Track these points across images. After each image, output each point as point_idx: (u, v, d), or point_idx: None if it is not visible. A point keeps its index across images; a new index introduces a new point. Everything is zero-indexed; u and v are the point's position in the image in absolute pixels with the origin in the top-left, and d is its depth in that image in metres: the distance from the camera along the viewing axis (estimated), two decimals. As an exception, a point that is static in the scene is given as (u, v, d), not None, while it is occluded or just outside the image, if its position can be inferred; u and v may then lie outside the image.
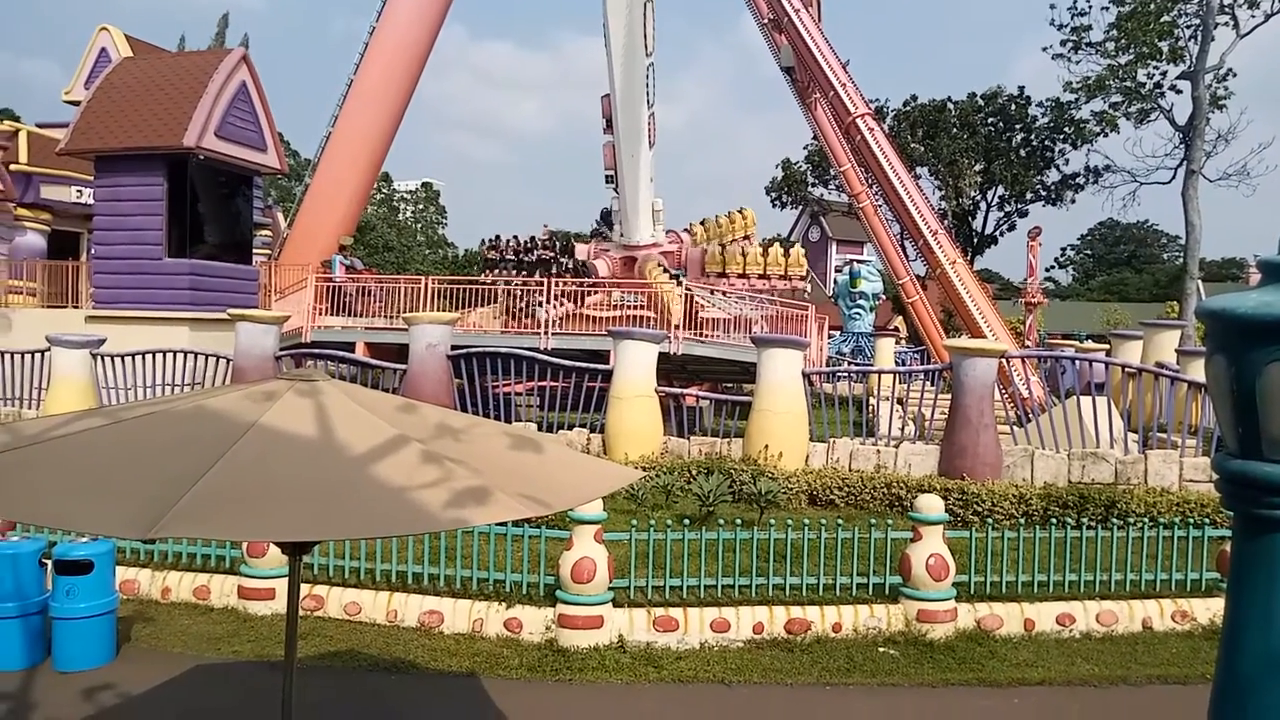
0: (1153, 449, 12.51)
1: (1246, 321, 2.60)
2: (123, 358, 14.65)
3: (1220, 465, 2.81)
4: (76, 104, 19.52)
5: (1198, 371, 13.91)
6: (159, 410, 3.30)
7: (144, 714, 6.42)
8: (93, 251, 18.55)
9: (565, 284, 20.84)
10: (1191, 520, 9.11)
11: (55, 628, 7.04)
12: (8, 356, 15.38)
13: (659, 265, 22.08)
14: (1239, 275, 58.95)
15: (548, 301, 19.67)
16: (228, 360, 14.58)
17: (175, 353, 14.90)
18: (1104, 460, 12.09)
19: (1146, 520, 9.31)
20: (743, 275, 23.32)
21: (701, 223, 24.92)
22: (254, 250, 20.53)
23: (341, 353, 15.77)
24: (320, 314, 20.57)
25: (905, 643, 7.68)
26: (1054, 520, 9.18)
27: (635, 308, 20.25)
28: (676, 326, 18.72)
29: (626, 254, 22.96)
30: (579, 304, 20.55)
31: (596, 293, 21.31)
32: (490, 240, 25.39)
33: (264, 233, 26.57)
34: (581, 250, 23.78)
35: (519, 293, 20.59)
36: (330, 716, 6.31)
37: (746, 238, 25.11)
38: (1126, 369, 14.43)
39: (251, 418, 3.09)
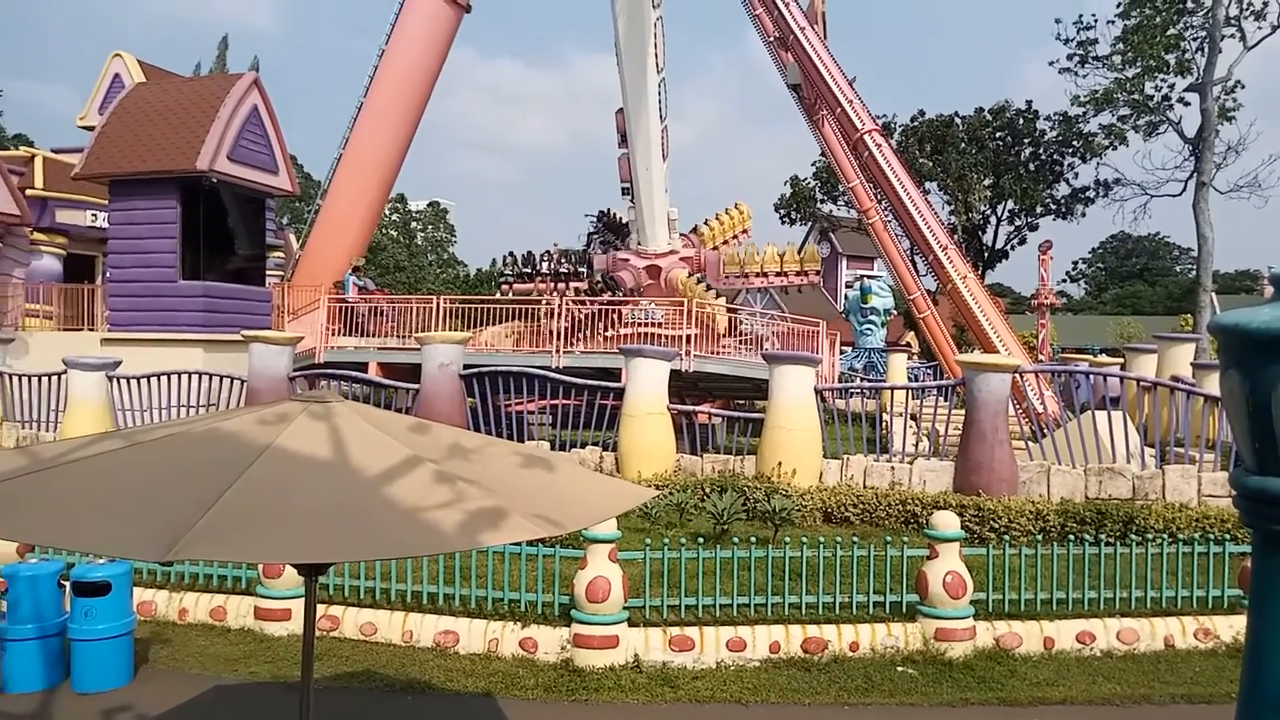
0: (1170, 464, 12.40)
1: (1259, 337, 2.58)
2: (138, 380, 14.75)
3: (1238, 481, 2.78)
4: (91, 129, 19.75)
5: (1214, 385, 13.80)
6: (175, 433, 3.32)
7: (160, 736, 6.42)
8: (108, 275, 18.72)
9: (607, 303, 20.71)
10: (1212, 536, 9.01)
11: (74, 649, 7.06)
12: (25, 379, 15.51)
13: (692, 277, 22.15)
14: (1253, 287, 58.58)
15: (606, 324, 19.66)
16: (242, 381, 14.65)
17: (190, 374, 14.99)
18: (1121, 475, 11.99)
19: (1166, 536, 9.22)
20: (761, 274, 23.57)
21: (705, 223, 25.01)
22: (267, 272, 20.67)
23: (354, 373, 15.83)
24: (333, 334, 20.67)
25: (923, 662, 7.61)
26: (1072, 536, 9.10)
27: (666, 324, 20.09)
28: (722, 336, 18.99)
29: (650, 263, 23.02)
30: (614, 324, 20.40)
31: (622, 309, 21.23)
32: (522, 256, 25.53)
33: (277, 254, 26.80)
34: (599, 262, 23.86)
35: (565, 312, 20.38)
36: (345, 738, 6.29)
37: (745, 231, 25.31)
38: (1142, 383, 14.33)
39: (266, 440, 3.11)
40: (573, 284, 23.41)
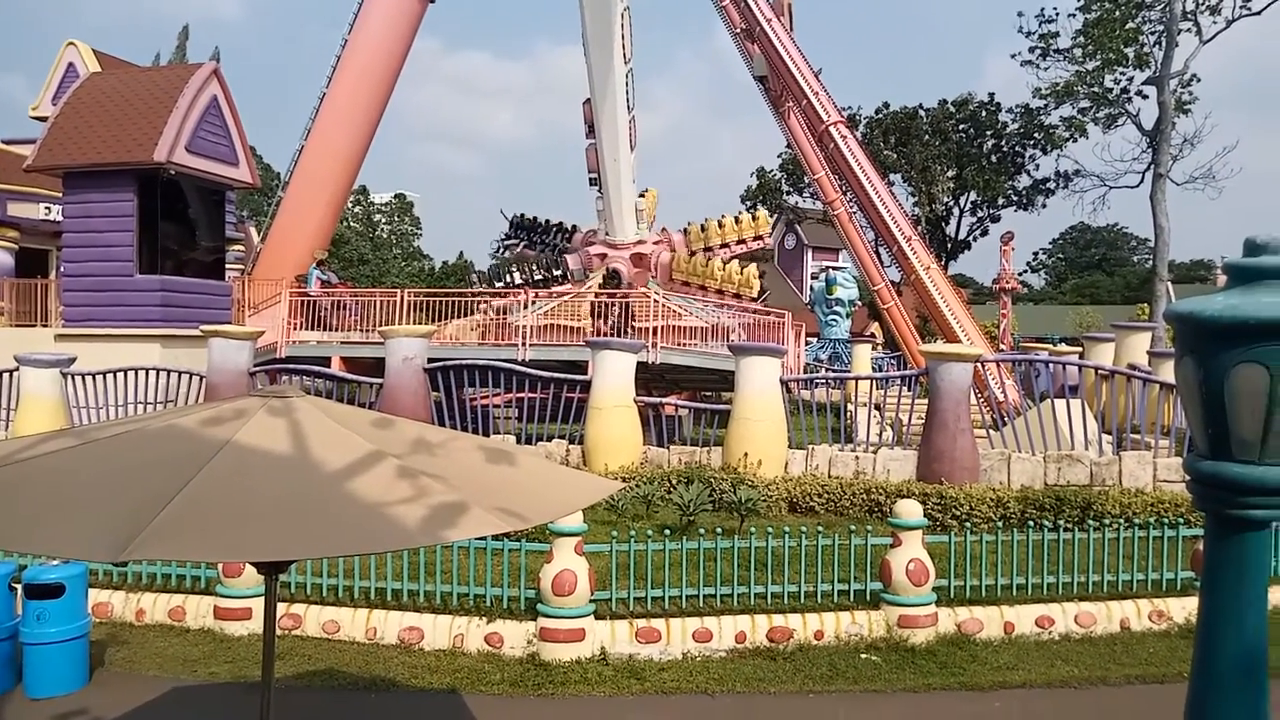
0: (1127, 450, 12.65)
1: (1214, 324, 2.64)
2: (93, 376, 14.46)
3: (1192, 466, 2.84)
4: (44, 120, 19.29)
5: (1169, 373, 14.09)
6: (131, 430, 3.25)
7: (119, 739, 6.31)
8: (62, 269, 18.31)
9: (623, 296, 20.41)
10: (1166, 520, 9.21)
11: (26, 653, 6.90)
12: (-25, 377, 15.14)
13: (696, 257, 22.35)
14: (1208, 277, 59.90)
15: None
16: (201, 377, 14.43)
17: (147, 370, 14.72)
18: (1079, 462, 12.21)
19: (1122, 521, 9.41)
20: (724, 244, 24.02)
21: (688, 224, 25.03)
22: (227, 265, 20.33)
23: (317, 368, 15.65)
24: (295, 328, 20.40)
25: (887, 648, 7.70)
26: (1031, 523, 9.26)
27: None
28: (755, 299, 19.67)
29: (632, 252, 23.05)
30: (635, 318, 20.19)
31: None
32: (489, 269, 25.59)
33: (237, 248, 26.38)
34: (573, 260, 23.76)
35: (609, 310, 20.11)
36: (310, 737, 6.23)
37: (759, 238, 25.45)
38: (1100, 371, 14.59)
39: (225, 436, 3.06)
40: (554, 288, 23.28)
